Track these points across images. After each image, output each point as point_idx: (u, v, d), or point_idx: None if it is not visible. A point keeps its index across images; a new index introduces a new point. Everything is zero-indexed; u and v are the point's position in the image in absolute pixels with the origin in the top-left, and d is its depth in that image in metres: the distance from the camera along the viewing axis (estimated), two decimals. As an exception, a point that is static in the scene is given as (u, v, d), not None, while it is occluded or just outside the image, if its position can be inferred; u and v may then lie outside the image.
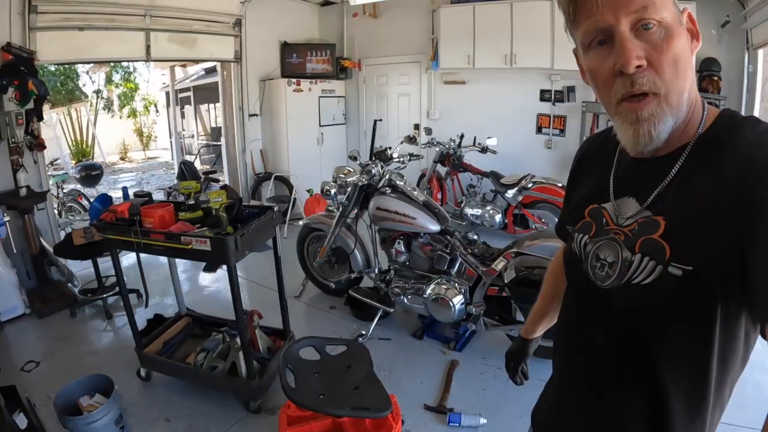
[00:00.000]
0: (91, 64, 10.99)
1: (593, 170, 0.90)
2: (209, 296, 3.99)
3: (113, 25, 4.50)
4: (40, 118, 3.87)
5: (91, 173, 5.40)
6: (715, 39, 4.50)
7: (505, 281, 2.68)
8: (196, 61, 6.97)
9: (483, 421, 2.32)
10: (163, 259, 4.91)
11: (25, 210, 3.71)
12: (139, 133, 13.85)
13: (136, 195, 3.03)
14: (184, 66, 8.77)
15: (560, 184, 4.58)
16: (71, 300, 3.62)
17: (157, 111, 13.91)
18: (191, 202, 2.59)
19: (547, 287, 1.18)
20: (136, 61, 5.81)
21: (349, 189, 3.30)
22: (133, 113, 12.98)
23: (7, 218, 3.51)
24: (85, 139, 10.80)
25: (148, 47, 4.79)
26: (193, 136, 9.82)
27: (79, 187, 5.56)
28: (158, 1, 4.73)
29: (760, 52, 4.25)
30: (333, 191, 3.31)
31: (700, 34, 0.72)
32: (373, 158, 3.38)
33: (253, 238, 2.31)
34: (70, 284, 3.71)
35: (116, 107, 12.83)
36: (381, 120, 4.12)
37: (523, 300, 2.59)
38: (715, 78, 4.44)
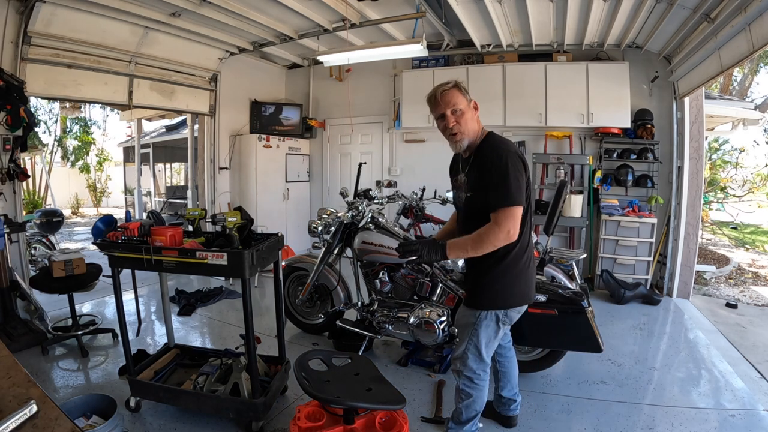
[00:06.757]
0: (66, 106, 10.69)
1: (456, 163, 2.21)
2: (181, 337, 3.90)
3: (99, 67, 4.63)
4: (24, 149, 3.84)
5: (52, 219, 5.23)
6: (646, 93, 5.26)
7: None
8: (175, 111, 7.09)
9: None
10: (144, 298, 4.80)
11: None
12: (92, 188, 13.35)
13: (148, 216, 3.07)
14: (150, 119, 8.83)
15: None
16: (41, 336, 3.42)
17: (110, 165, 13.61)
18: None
19: (450, 221, 2.52)
20: (118, 105, 5.86)
21: (334, 227, 3.52)
22: (86, 168, 12.55)
23: (7, 229, 3.37)
24: (37, 189, 10.29)
25: (130, 92, 4.95)
26: (149, 194, 9.68)
27: (37, 232, 5.35)
28: (143, 49, 4.93)
29: (686, 100, 4.87)
30: (320, 229, 3.55)
31: (477, 105, 2.08)
32: (360, 197, 3.65)
33: (264, 256, 2.45)
34: (38, 321, 3.50)
35: (70, 158, 12.43)
36: (366, 163, 4.43)
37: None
38: (649, 126, 5.12)
